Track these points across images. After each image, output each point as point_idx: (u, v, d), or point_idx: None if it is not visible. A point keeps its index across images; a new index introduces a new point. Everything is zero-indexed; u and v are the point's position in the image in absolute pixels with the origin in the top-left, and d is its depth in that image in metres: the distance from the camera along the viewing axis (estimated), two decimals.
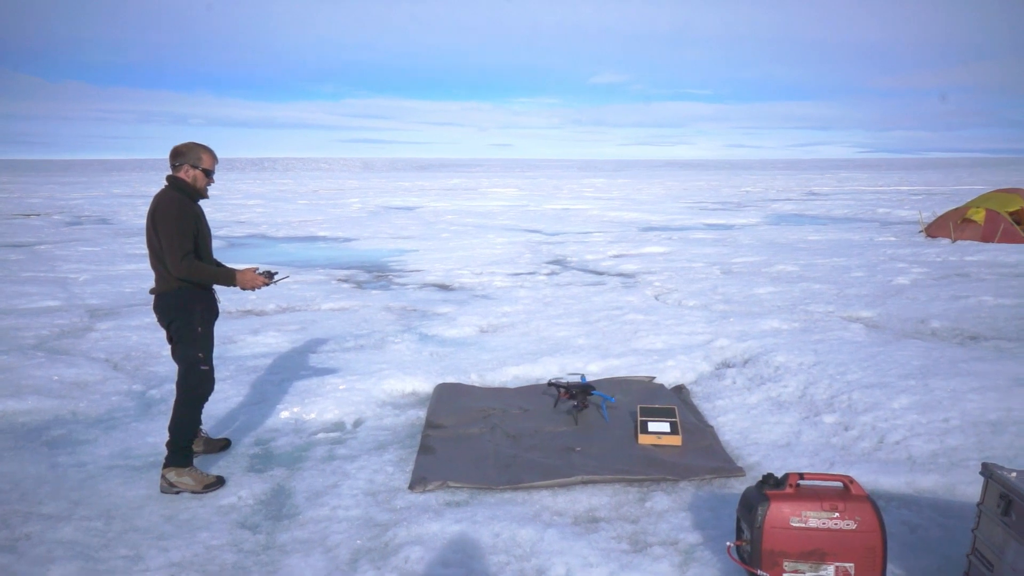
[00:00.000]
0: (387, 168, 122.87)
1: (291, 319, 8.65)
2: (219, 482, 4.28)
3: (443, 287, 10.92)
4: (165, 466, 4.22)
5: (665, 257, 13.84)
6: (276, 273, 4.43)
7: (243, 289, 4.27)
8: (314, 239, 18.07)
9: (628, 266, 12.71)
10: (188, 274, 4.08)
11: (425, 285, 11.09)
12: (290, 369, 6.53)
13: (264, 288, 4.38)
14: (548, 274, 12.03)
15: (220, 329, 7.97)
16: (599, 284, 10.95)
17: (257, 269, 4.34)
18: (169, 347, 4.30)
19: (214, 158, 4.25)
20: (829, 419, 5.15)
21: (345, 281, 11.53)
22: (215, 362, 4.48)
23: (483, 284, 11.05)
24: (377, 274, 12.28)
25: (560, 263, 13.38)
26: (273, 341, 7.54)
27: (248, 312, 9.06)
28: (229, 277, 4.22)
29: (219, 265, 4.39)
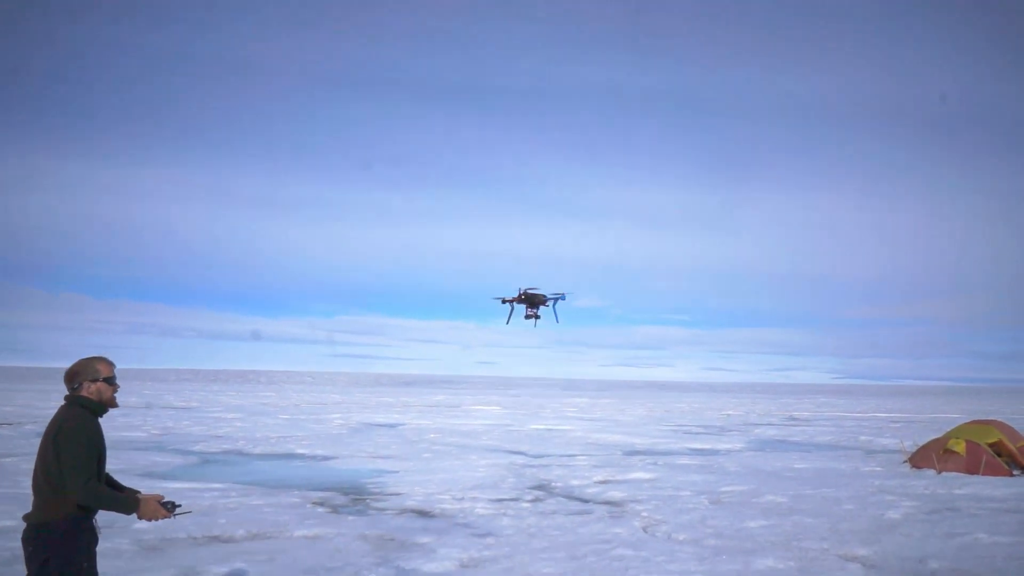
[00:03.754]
0: (372, 383, 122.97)
1: (261, 547, 8.17)
2: None
3: (423, 513, 10.48)
4: None
5: (652, 484, 13.53)
6: (179, 506, 4.22)
7: (140, 518, 4.01)
8: (292, 456, 17.59)
9: (614, 493, 12.36)
10: (91, 500, 3.85)
11: (404, 511, 10.64)
12: None
13: (165, 520, 4.15)
14: (532, 500, 11.64)
15: (185, 558, 7.50)
16: (585, 513, 10.58)
17: (162, 498, 4.10)
18: None
19: (110, 364, 4.17)
20: None
21: (320, 504, 11.06)
22: None
23: (464, 511, 10.63)
24: (354, 497, 11.82)
25: (544, 488, 13.01)
26: (239, 574, 7.05)
27: (215, 538, 8.57)
28: (132, 505, 3.98)
29: (114, 485, 4.18)
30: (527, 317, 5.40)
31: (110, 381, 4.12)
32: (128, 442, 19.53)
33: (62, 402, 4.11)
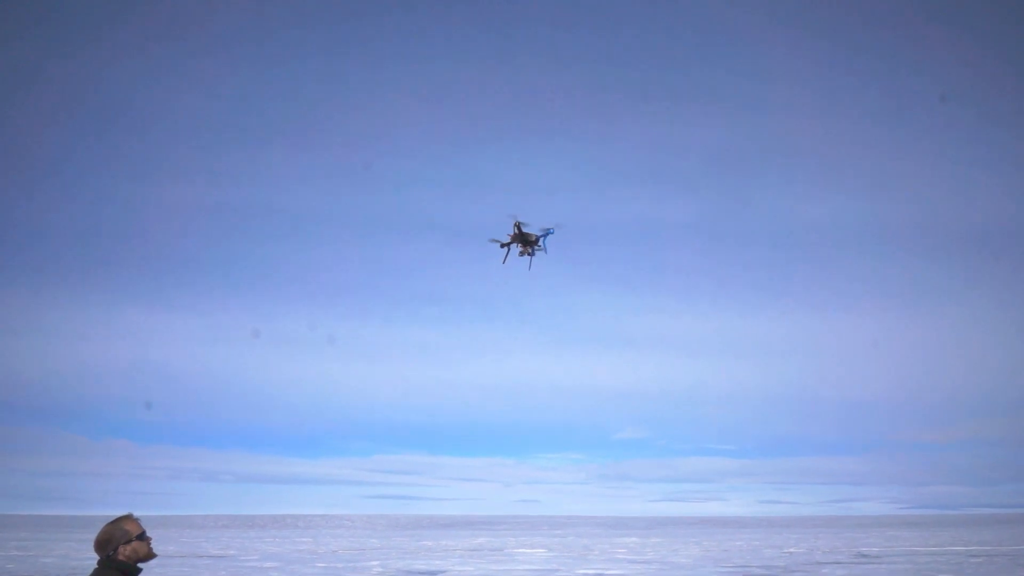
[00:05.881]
0: (412, 526, 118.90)
1: None
2: None
3: None
4: None
5: None
6: None
7: None
8: None
9: None
10: None
11: None
12: None
13: None
14: None
15: None
16: None
17: None
18: None
19: (136, 520, 4.19)
20: None
21: None
22: None
23: None
24: None
25: None
26: None
27: None
28: None
29: None
30: (521, 255, 5.64)
31: (142, 537, 4.13)
32: None
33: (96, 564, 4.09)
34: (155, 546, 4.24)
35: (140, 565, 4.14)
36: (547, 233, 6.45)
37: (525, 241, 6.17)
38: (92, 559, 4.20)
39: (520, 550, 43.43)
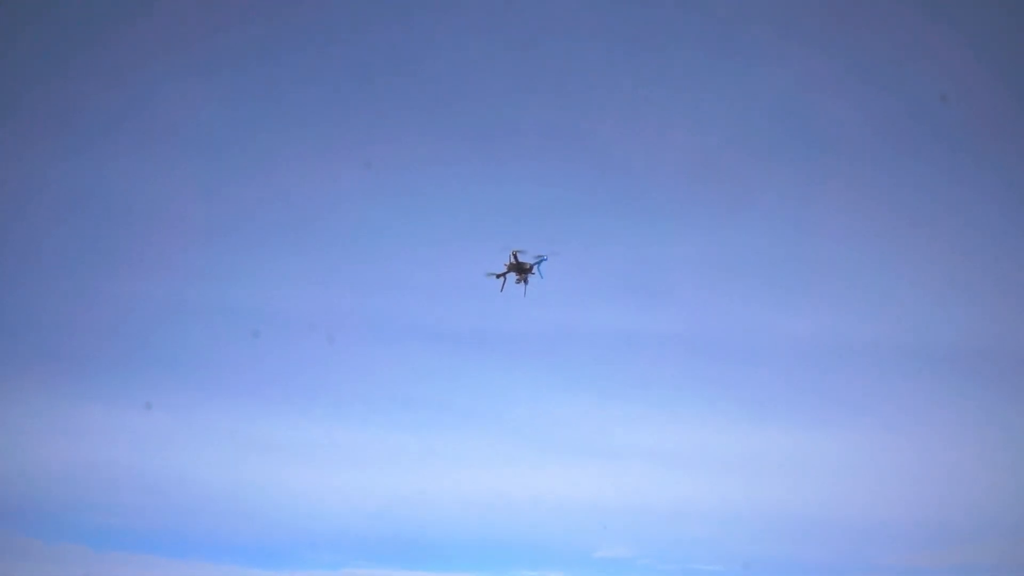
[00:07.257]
0: None
1: None
2: None
3: None
4: None
5: None
6: None
7: None
8: None
9: None
10: None
11: None
12: None
13: None
14: None
15: None
16: None
17: None
18: None
19: None
20: None
21: None
22: None
23: None
24: None
25: None
26: None
27: None
28: None
29: None
30: (517, 282, 5.78)
31: None
32: None
33: None
34: None
35: None
36: (540, 260, 6.86)
37: (520, 269, 6.56)
38: None
39: None
